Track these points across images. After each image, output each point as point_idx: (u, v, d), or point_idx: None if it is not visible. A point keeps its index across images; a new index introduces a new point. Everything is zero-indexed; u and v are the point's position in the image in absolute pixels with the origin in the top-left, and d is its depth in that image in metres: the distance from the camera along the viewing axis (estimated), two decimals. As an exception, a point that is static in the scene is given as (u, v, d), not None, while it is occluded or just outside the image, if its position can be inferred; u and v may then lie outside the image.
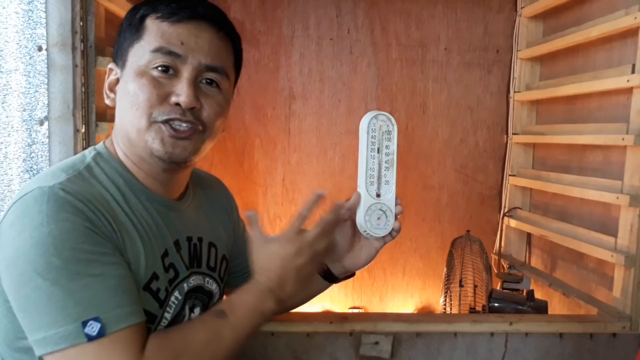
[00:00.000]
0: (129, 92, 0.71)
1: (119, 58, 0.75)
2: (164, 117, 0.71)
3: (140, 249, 0.70)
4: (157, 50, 0.71)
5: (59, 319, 0.60)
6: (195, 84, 0.73)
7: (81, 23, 1.14)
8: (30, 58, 1.13)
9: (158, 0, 0.73)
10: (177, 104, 0.71)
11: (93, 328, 0.60)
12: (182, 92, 0.71)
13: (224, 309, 0.72)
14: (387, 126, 0.82)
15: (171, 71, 0.71)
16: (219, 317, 0.72)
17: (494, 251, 1.99)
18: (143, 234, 0.72)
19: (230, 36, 0.78)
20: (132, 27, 0.73)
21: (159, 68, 0.71)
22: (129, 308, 0.64)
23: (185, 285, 0.78)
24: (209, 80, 0.74)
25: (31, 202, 0.63)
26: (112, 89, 0.77)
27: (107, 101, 0.77)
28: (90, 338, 0.60)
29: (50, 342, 0.60)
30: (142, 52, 0.71)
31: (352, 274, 0.95)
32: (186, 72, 0.72)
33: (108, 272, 0.63)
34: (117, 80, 0.75)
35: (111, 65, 0.77)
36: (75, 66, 1.14)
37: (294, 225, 0.75)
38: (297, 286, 0.76)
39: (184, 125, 0.72)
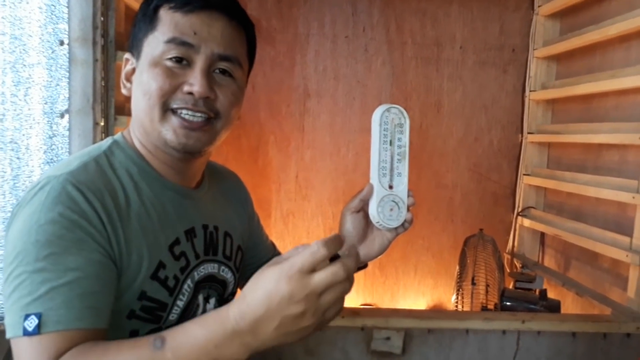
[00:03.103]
0: (142, 81, 0.72)
1: (134, 48, 0.76)
2: (176, 105, 0.72)
3: (141, 240, 0.71)
4: (171, 40, 0.71)
5: (12, 308, 0.61)
6: (209, 73, 0.73)
7: (102, 18, 1.17)
8: (52, 52, 1.16)
9: None
10: (190, 93, 0.72)
11: (31, 323, 0.59)
12: (195, 82, 0.71)
13: (166, 338, 0.56)
14: (399, 119, 0.83)
15: (185, 62, 0.72)
16: (155, 348, 0.56)
17: (507, 250, 1.98)
18: (147, 223, 0.72)
19: (243, 25, 0.78)
20: (147, 17, 0.74)
21: (173, 59, 0.72)
22: (77, 312, 0.61)
23: (195, 273, 0.79)
24: (222, 70, 0.75)
25: (38, 191, 0.65)
26: (128, 79, 0.78)
27: (123, 91, 0.79)
28: (25, 332, 0.59)
29: (6, 328, 0.62)
30: (156, 43, 0.72)
31: (365, 265, 0.95)
32: (199, 62, 0.72)
33: (74, 269, 0.62)
34: (134, 70, 0.76)
35: (127, 55, 0.78)
36: (95, 60, 1.17)
37: (303, 260, 0.51)
38: (279, 339, 0.53)
39: (198, 115, 0.73)
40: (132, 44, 0.77)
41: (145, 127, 0.74)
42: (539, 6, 1.91)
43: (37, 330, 0.59)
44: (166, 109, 0.72)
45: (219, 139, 0.78)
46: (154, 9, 0.73)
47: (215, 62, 0.74)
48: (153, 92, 0.71)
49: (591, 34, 1.57)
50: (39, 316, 0.59)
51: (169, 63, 0.72)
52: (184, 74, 0.72)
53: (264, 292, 0.52)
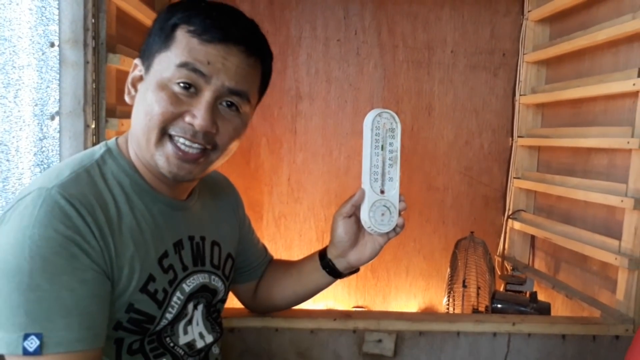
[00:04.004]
0: (146, 100, 0.71)
1: (145, 58, 0.74)
2: (174, 133, 0.71)
3: (133, 253, 0.70)
4: (183, 65, 0.69)
5: (7, 325, 0.60)
6: (214, 106, 0.71)
7: (93, 20, 1.16)
8: (42, 54, 1.15)
9: (194, 10, 0.71)
10: (191, 124, 0.70)
11: (32, 343, 0.59)
12: (199, 115, 0.70)
13: None
14: (391, 124, 0.84)
15: (192, 89, 0.70)
16: None
17: (498, 253, 2.00)
18: (138, 237, 0.72)
19: (261, 60, 0.76)
20: (163, 32, 0.72)
21: (181, 84, 0.70)
22: (77, 333, 0.62)
23: (185, 285, 0.79)
24: (229, 103, 0.73)
25: (29, 203, 0.64)
26: (134, 85, 0.76)
27: (126, 98, 0.76)
28: (25, 352, 0.59)
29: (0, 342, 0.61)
30: (167, 64, 0.70)
31: (357, 270, 0.96)
32: (207, 93, 0.70)
33: (70, 289, 0.62)
34: (141, 77, 0.75)
35: (137, 60, 0.76)
36: (86, 62, 1.16)
37: None
38: None
39: (195, 146, 0.71)
40: (144, 53, 0.75)
41: (140, 144, 0.73)
42: (528, 11, 1.93)
43: (40, 351, 0.60)
44: (164, 133, 0.71)
45: (213, 168, 0.77)
46: (171, 27, 0.71)
47: (224, 95, 0.72)
48: (154, 115, 0.70)
49: (580, 39, 1.58)
50: (40, 337, 0.60)
51: (176, 88, 0.70)
52: (189, 102, 0.70)
53: None
